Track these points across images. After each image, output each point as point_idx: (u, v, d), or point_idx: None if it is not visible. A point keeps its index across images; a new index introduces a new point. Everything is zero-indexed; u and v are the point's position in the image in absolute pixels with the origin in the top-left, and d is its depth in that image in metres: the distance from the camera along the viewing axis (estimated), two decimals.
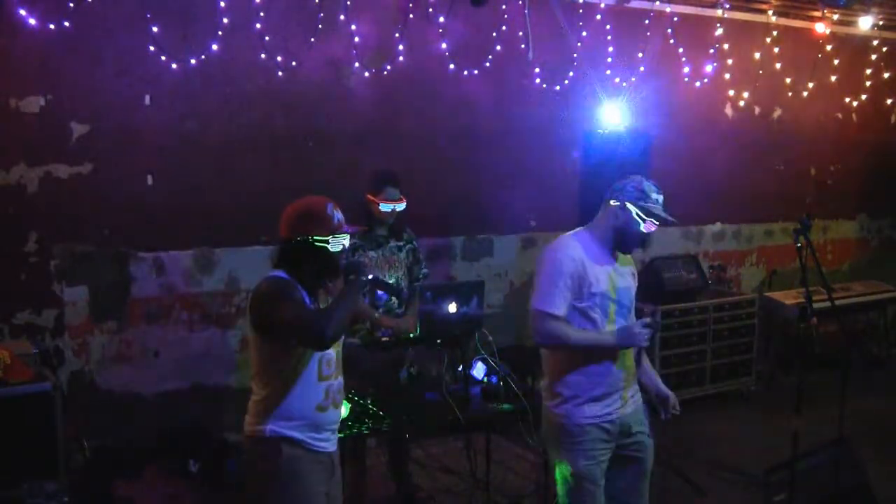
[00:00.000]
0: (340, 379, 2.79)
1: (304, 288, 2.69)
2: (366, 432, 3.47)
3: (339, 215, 2.73)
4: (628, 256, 3.16)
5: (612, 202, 3.01)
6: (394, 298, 4.09)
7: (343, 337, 2.83)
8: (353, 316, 4.06)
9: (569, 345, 2.96)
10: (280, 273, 2.70)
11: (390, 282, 3.85)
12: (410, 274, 4.23)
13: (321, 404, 2.69)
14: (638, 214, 2.96)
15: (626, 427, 3.05)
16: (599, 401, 2.98)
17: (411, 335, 3.88)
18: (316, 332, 2.52)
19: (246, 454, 2.75)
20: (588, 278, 2.95)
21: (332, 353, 2.73)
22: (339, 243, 2.69)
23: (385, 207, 4.01)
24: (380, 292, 3.86)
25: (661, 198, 3.00)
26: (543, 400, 3.13)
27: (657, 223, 2.99)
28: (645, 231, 2.98)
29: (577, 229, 3.12)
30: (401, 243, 4.19)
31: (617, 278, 3.03)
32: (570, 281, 2.93)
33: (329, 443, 2.76)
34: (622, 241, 3.03)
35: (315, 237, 2.67)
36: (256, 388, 2.72)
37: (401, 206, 4.05)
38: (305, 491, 2.66)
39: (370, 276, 2.78)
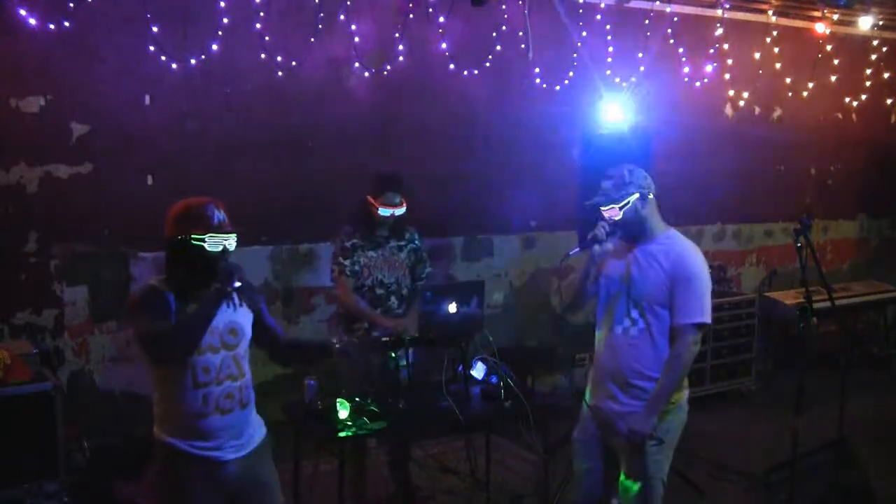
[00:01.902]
0: (229, 383, 2.63)
1: (175, 293, 2.57)
2: (366, 432, 3.47)
3: (220, 215, 2.61)
4: (661, 243, 3.19)
5: None
6: (392, 298, 4.11)
7: (245, 335, 2.70)
8: (353, 316, 4.07)
9: (567, 282, 3.37)
10: (151, 281, 2.65)
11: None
12: (413, 274, 4.24)
13: (200, 411, 2.58)
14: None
15: (611, 423, 3.22)
16: (591, 384, 3.37)
17: (410, 335, 3.87)
18: (158, 348, 2.48)
19: None
20: (605, 265, 3.27)
21: (217, 357, 2.61)
22: (218, 243, 2.56)
23: (384, 212, 4.05)
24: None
25: (604, 182, 3.19)
26: None
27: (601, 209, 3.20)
28: (608, 217, 3.19)
29: None
30: (402, 243, 4.20)
31: (633, 268, 3.17)
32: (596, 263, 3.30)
33: (223, 451, 2.63)
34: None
35: (193, 236, 2.55)
36: None
37: (399, 212, 4.08)
38: (184, 499, 2.61)
39: (237, 285, 2.55)
